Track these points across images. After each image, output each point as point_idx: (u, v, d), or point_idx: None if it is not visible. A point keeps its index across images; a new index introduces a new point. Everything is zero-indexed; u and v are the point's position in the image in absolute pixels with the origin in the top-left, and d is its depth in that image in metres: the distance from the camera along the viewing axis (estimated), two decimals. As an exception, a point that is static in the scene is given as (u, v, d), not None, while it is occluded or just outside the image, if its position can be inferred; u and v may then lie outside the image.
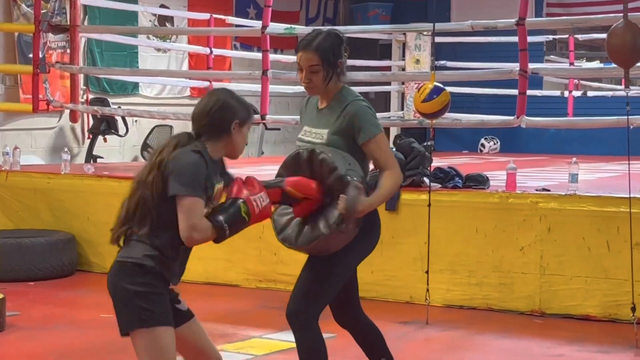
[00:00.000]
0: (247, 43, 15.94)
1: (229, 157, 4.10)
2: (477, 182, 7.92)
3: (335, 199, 4.17)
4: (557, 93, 15.11)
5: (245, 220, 3.93)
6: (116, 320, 3.91)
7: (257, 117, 10.83)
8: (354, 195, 4.12)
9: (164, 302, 3.90)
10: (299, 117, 4.72)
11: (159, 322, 3.86)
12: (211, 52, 13.02)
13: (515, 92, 8.98)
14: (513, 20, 8.90)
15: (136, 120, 13.95)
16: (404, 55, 15.87)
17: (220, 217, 3.85)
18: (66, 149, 10.08)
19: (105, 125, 13.26)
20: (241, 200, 3.92)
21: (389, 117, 15.30)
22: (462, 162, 12.16)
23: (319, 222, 4.23)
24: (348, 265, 4.45)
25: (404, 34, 15.35)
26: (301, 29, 11.37)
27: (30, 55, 11.45)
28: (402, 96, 15.98)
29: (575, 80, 15.01)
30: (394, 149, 8.22)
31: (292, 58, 4.63)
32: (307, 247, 4.30)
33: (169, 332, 3.88)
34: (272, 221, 4.42)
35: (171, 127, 13.97)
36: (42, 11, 11.25)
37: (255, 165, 10.35)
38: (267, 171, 9.42)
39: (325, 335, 4.40)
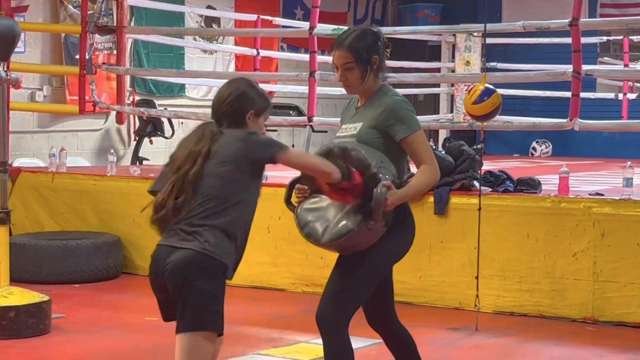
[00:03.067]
0: (294, 44, 15.89)
1: None
2: (529, 186, 7.82)
3: (365, 197, 4.11)
4: (611, 95, 14.91)
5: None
6: (179, 314, 3.88)
7: (304, 119, 10.75)
8: (383, 192, 4.05)
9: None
10: None
11: (222, 329, 3.94)
12: (258, 53, 12.96)
13: (567, 94, 8.87)
14: (566, 20, 8.77)
15: (182, 122, 13.94)
16: (453, 57, 15.76)
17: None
18: (112, 151, 10.08)
19: (151, 127, 13.26)
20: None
21: (438, 120, 15.19)
22: (513, 166, 12.05)
23: (347, 218, 4.14)
24: (380, 269, 4.37)
25: (454, 35, 15.24)
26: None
27: (77, 57, 11.47)
28: (452, 98, 15.86)
29: (630, 83, 14.81)
30: (443, 152, 8.12)
31: (340, 59, 4.53)
32: (334, 244, 4.21)
33: (215, 342, 3.96)
34: (295, 216, 4.36)
35: (217, 129, 13.93)
36: (89, 12, 11.25)
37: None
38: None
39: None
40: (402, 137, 4.29)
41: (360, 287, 4.29)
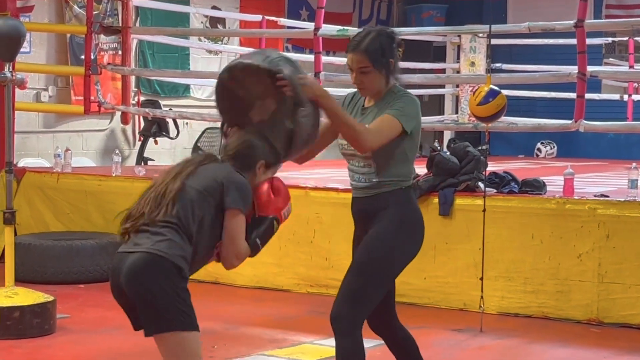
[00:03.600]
0: (299, 45, 15.88)
1: None
2: (534, 187, 7.81)
3: (281, 96, 4.08)
4: (616, 97, 14.88)
5: (274, 234, 4.12)
6: (143, 318, 3.85)
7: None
8: (289, 72, 4.02)
9: (192, 307, 3.91)
10: None
11: (194, 326, 3.87)
12: (263, 54, 12.93)
13: (573, 95, 8.85)
14: (571, 22, 8.76)
15: (187, 123, 13.95)
16: (458, 58, 15.74)
17: (258, 240, 4.06)
18: (117, 151, 10.08)
19: (156, 128, 13.26)
20: (274, 218, 4.11)
21: (443, 121, 15.18)
22: (518, 167, 12.03)
23: (283, 120, 4.12)
24: (394, 269, 4.39)
25: (459, 35, 15.23)
26: (354, 31, 11.28)
27: (82, 57, 11.48)
28: (457, 99, 15.85)
29: (635, 84, 14.78)
30: (447, 153, 8.12)
31: (345, 60, 4.50)
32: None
33: (198, 337, 3.90)
34: None
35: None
36: (94, 12, 11.26)
37: (307, 168, 10.25)
38: (319, 175, 9.37)
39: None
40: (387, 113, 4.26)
41: (374, 288, 4.30)
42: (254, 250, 4.07)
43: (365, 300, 4.29)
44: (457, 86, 15.57)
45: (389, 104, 4.33)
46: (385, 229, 4.32)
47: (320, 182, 8.61)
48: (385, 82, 4.37)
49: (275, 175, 4.21)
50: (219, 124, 13.94)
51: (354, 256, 4.41)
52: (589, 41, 8.91)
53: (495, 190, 7.80)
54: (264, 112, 4.18)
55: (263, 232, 4.07)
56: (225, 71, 4.19)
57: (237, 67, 4.13)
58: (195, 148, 13.69)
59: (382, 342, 4.64)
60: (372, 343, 4.62)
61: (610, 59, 16.16)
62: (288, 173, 8.93)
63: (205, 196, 3.95)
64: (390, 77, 4.37)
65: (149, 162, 13.06)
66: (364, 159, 4.36)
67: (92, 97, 11.02)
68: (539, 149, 15.96)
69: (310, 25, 10.76)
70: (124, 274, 3.84)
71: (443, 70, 15.81)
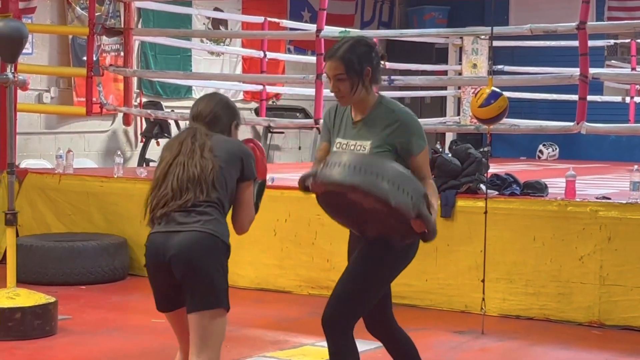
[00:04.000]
0: (301, 47, 15.89)
1: None
2: (535, 189, 7.81)
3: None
4: (618, 99, 14.88)
5: None
6: (191, 293, 3.94)
7: (311, 121, 10.75)
8: (431, 219, 4.12)
9: None
10: None
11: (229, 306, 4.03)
12: (265, 55, 12.95)
13: (574, 97, 8.84)
14: (573, 24, 8.73)
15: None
16: (460, 60, 15.73)
17: (258, 202, 4.34)
18: (119, 153, 10.08)
19: (158, 129, 13.27)
20: (263, 180, 4.40)
21: (445, 122, 15.16)
22: (520, 169, 12.03)
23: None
24: (387, 275, 4.38)
25: (461, 37, 15.21)
26: (356, 33, 11.29)
27: (84, 58, 11.49)
28: (459, 101, 15.84)
29: (637, 86, 14.77)
30: (449, 155, 8.12)
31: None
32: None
33: None
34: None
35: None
36: (97, 14, 11.25)
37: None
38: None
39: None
40: (415, 155, 4.26)
41: (367, 292, 4.29)
42: (256, 213, 4.30)
43: (358, 303, 4.28)
44: (459, 88, 15.55)
45: (387, 120, 4.29)
46: None
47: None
48: (367, 91, 4.32)
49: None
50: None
51: (350, 259, 4.40)
52: (591, 43, 8.90)
53: (496, 192, 7.80)
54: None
55: (260, 193, 4.36)
56: (361, 188, 4.07)
57: (385, 200, 4.02)
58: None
59: (382, 344, 4.64)
60: (372, 345, 4.62)
61: (612, 61, 16.16)
62: (289, 174, 8.94)
63: (231, 171, 4.11)
64: (369, 87, 4.33)
65: (151, 164, 13.06)
66: None
67: (94, 99, 11.02)
68: (540, 151, 15.95)
69: (312, 27, 10.76)
70: (176, 250, 3.95)
71: (445, 72, 15.81)
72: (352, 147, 4.31)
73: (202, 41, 14.24)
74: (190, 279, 3.94)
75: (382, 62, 4.39)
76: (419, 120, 4.40)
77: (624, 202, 7.30)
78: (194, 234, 3.95)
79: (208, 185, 4.02)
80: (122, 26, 11.77)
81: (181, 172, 4.06)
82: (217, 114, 4.25)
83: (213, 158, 4.06)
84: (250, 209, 4.20)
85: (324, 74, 4.47)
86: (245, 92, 14.63)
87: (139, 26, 13.02)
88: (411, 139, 4.26)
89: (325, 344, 4.31)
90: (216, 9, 14.58)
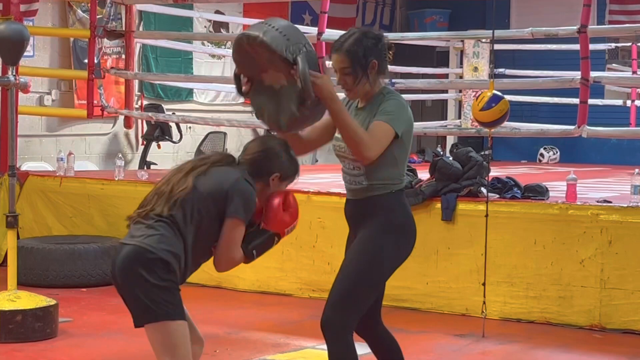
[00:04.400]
0: (302, 50, 15.86)
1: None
2: (536, 192, 7.80)
3: (290, 79, 4.11)
4: (619, 102, 14.88)
5: (272, 247, 4.18)
6: (131, 309, 3.95)
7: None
8: (304, 66, 4.04)
9: (181, 298, 3.98)
10: None
11: (181, 316, 3.95)
12: (266, 58, 12.93)
13: (575, 101, 8.84)
14: (574, 27, 8.75)
15: (190, 127, 13.96)
16: (461, 63, 15.75)
17: (254, 251, 4.10)
18: (120, 155, 10.09)
19: (159, 132, 13.28)
20: (277, 234, 4.15)
21: (446, 126, 15.17)
22: (521, 172, 12.03)
23: (288, 105, 4.15)
24: (382, 273, 4.37)
25: (462, 41, 15.23)
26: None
27: (85, 61, 11.48)
28: (460, 104, 15.85)
29: (638, 90, 14.76)
30: (450, 158, 8.12)
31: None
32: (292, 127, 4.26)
33: (185, 326, 3.97)
34: (252, 105, 4.35)
35: (225, 133, 13.96)
36: (98, 17, 11.24)
37: (310, 173, 10.27)
38: (322, 180, 9.36)
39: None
40: (378, 119, 4.26)
41: (363, 292, 4.29)
42: (249, 259, 4.12)
43: (355, 304, 4.28)
44: (460, 91, 15.56)
45: (378, 106, 4.32)
46: (374, 233, 4.31)
47: (323, 186, 8.61)
48: (370, 83, 4.34)
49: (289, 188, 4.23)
50: (221, 128, 13.88)
51: (343, 261, 4.41)
52: (592, 47, 8.90)
53: (497, 196, 7.80)
54: (274, 81, 4.20)
55: (262, 244, 4.14)
56: (245, 36, 4.19)
57: (257, 39, 4.12)
58: (198, 152, 13.72)
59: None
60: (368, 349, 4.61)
61: (614, 64, 16.15)
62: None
63: (209, 201, 4.00)
64: (375, 79, 4.35)
65: (152, 166, 13.08)
66: (353, 161, 4.36)
67: (95, 101, 11.02)
68: (541, 154, 15.95)
69: (314, 30, 10.75)
70: (116, 266, 3.96)
71: (446, 76, 15.82)
72: None
73: (203, 44, 14.25)
74: (126, 294, 3.97)
75: (390, 52, 4.40)
76: (416, 119, 4.40)
77: (625, 205, 7.30)
78: (131, 249, 3.93)
79: (170, 202, 3.96)
80: (124, 29, 11.76)
81: (160, 185, 4.07)
82: (255, 159, 4.14)
83: (195, 181, 4.00)
84: (229, 250, 4.03)
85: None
86: (246, 95, 14.62)
87: (140, 29, 13.02)
88: (381, 111, 4.28)
89: (326, 347, 4.31)
90: (217, 12, 14.59)
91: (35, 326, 6.65)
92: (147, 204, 4.05)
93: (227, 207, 3.98)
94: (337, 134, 4.41)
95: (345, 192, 4.51)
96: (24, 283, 7.72)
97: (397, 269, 4.43)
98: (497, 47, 13.73)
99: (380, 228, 4.31)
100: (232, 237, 4.02)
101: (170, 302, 3.90)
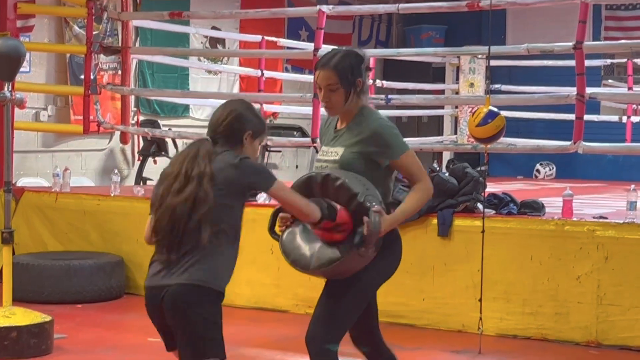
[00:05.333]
0: (298, 65, 15.91)
1: None
2: (533, 208, 7.79)
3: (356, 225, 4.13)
4: (615, 118, 14.90)
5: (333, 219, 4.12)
6: (179, 344, 3.97)
7: (308, 140, 10.75)
8: (377, 220, 4.08)
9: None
10: None
11: (223, 355, 4.02)
12: (262, 74, 12.96)
13: (571, 117, 8.84)
14: (570, 43, 8.76)
15: (186, 143, 13.90)
16: (457, 79, 15.77)
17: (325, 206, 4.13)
18: (116, 171, 10.08)
19: (155, 147, 13.27)
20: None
21: (442, 142, 15.18)
22: (517, 188, 12.01)
23: (337, 245, 4.15)
24: (368, 289, 4.37)
25: (458, 57, 15.26)
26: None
27: (82, 77, 11.48)
28: (456, 120, 15.87)
29: (634, 106, 14.80)
30: (446, 174, 8.11)
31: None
32: (323, 270, 4.24)
33: None
34: (280, 245, 4.38)
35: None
36: (94, 32, 11.26)
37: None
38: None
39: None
40: (394, 159, 4.30)
41: (348, 310, 4.28)
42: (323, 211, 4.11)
43: (340, 321, 4.28)
44: (456, 107, 15.58)
45: (361, 128, 4.33)
46: None
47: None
48: (355, 102, 4.37)
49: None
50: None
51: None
52: (587, 63, 8.91)
53: (494, 212, 7.78)
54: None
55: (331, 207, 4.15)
56: (321, 174, 4.26)
57: (336, 182, 4.20)
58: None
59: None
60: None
61: (609, 80, 16.17)
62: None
63: (230, 194, 3.99)
64: (359, 97, 4.38)
65: (148, 182, 13.05)
66: None
67: (91, 117, 11.02)
68: (538, 170, 15.95)
69: (310, 46, 10.78)
70: (167, 300, 3.94)
71: (442, 91, 15.84)
72: (328, 155, 4.38)
73: (199, 60, 14.27)
74: (178, 330, 4.00)
75: (368, 73, 4.46)
76: (402, 133, 4.42)
77: (621, 221, 7.29)
78: (181, 287, 3.94)
79: (203, 222, 3.94)
80: (120, 45, 11.78)
81: (175, 204, 3.99)
82: (227, 127, 4.13)
83: (211, 191, 3.96)
84: (292, 207, 4.12)
85: (316, 84, 4.45)
86: (243, 111, 14.61)
87: (137, 45, 13.02)
88: (386, 149, 4.30)
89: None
90: (214, 28, 14.60)
91: (30, 342, 6.63)
92: (176, 226, 3.97)
93: (259, 186, 4.06)
94: (319, 156, 4.46)
95: None
96: (19, 299, 7.69)
97: (390, 284, 4.45)
98: (493, 63, 13.76)
99: None
100: (285, 195, 4.09)
101: (217, 340, 4.02)
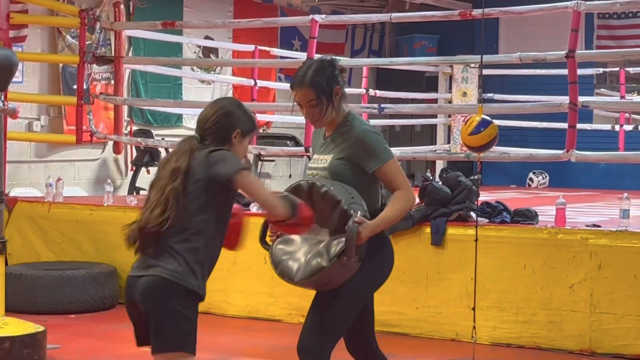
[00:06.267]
0: (291, 75, 15.80)
1: None
2: (526, 217, 7.79)
3: (338, 232, 4.15)
4: (608, 127, 14.93)
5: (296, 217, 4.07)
6: (152, 335, 3.97)
7: (301, 149, 10.75)
8: (354, 227, 4.09)
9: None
10: None
11: (194, 350, 4.00)
12: (255, 83, 12.98)
13: (564, 125, 8.85)
14: (563, 52, 8.78)
15: (180, 152, 13.92)
16: (450, 88, 15.79)
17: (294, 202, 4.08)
18: (109, 181, 10.06)
19: (148, 157, 13.26)
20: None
21: (435, 150, 15.19)
22: (510, 197, 12.03)
23: (320, 255, 4.17)
24: (359, 298, 4.37)
25: (451, 66, 15.28)
26: (346, 61, 11.31)
27: (75, 87, 11.48)
28: (449, 129, 15.88)
29: (627, 114, 14.82)
30: (440, 183, 8.12)
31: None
32: (308, 281, 4.26)
33: None
34: (269, 255, 4.41)
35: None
36: (87, 42, 11.26)
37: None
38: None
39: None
40: (374, 169, 4.31)
41: (340, 318, 4.29)
42: (290, 208, 4.05)
43: (332, 330, 4.28)
44: (449, 116, 15.59)
45: (347, 135, 4.35)
46: None
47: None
48: (337, 109, 4.39)
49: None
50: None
51: None
52: (580, 71, 8.94)
53: (487, 220, 7.79)
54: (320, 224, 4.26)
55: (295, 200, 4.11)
56: (307, 183, 4.29)
57: (321, 189, 4.23)
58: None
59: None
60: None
61: (602, 89, 16.22)
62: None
63: (206, 189, 3.97)
64: (339, 105, 4.40)
65: (141, 192, 13.04)
66: None
67: (84, 127, 11.03)
68: (531, 179, 15.97)
69: (303, 55, 10.80)
70: (139, 292, 3.98)
71: (435, 100, 15.86)
72: (318, 162, 4.40)
73: (192, 69, 14.28)
74: (152, 322, 4.00)
75: (343, 74, 4.46)
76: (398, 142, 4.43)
77: (614, 229, 7.29)
78: (156, 279, 3.96)
79: (173, 211, 3.94)
80: (113, 54, 11.78)
81: (156, 196, 4.01)
82: (215, 124, 4.10)
83: (184, 187, 3.96)
84: (257, 195, 4.03)
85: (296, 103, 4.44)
86: (236, 120, 14.61)
87: (130, 54, 13.03)
88: (365, 156, 4.31)
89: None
90: (207, 38, 14.62)
91: (23, 353, 6.61)
92: (152, 220, 3.99)
93: (219, 173, 3.94)
94: (310, 164, 4.48)
95: None
96: (12, 309, 7.68)
97: (377, 292, 4.43)
98: (485, 72, 13.79)
99: None
100: (250, 184, 3.99)
101: (189, 334, 3.98)
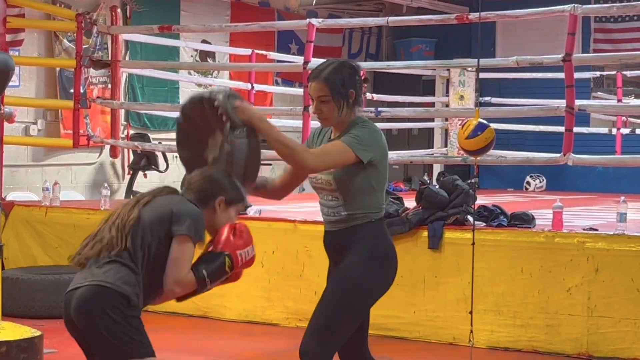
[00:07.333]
0: (288, 79, 15.91)
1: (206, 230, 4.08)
2: (523, 220, 7.80)
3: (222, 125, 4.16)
4: (605, 130, 14.92)
5: (227, 273, 3.99)
6: (98, 351, 3.88)
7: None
8: (223, 98, 4.13)
9: (147, 334, 3.91)
10: None
11: (150, 353, 3.88)
12: (252, 87, 12.98)
13: (561, 129, 8.85)
14: (559, 56, 8.78)
15: (177, 156, 13.90)
16: (447, 91, 15.78)
17: (204, 271, 3.92)
18: (106, 185, 10.05)
19: (145, 161, 13.25)
20: (226, 253, 3.97)
21: (432, 154, 15.19)
22: (507, 200, 12.02)
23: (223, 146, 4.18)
24: (363, 303, 4.36)
25: (448, 69, 15.26)
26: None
27: (72, 91, 11.47)
28: (446, 133, 15.87)
29: (624, 118, 14.82)
30: (437, 186, 8.11)
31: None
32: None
33: None
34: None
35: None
36: (84, 46, 11.26)
37: (296, 202, 10.25)
38: (308, 208, 9.34)
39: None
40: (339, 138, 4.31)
41: (343, 322, 4.28)
42: (200, 284, 3.95)
43: (335, 334, 4.27)
44: (446, 120, 15.59)
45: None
46: (355, 263, 4.30)
47: (310, 215, 8.59)
48: (347, 113, 4.36)
49: (243, 220, 4.19)
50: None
51: (324, 290, 4.39)
52: (577, 75, 8.94)
53: (484, 224, 7.79)
54: (215, 149, 4.21)
55: (213, 266, 3.97)
56: (180, 115, 4.32)
57: (185, 105, 4.28)
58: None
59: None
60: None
61: (599, 92, 16.21)
62: (277, 206, 8.92)
63: (155, 227, 3.93)
64: (352, 109, 4.37)
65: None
66: (330, 192, 4.36)
67: (81, 131, 11.02)
68: (528, 183, 15.96)
69: (300, 59, 10.79)
70: (73, 307, 3.89)
71: (432, 104, 15.83)
72: None
73: (189, 73, 14.25)
74: (90, 336, 3.94)
75: (364, 85, 4.44)
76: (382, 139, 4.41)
77: (611, 233, 7.30)
78: (87, 289, 3.90)
79: (122, 237, 3.93)
80: (110, 58, 11.78)
81: (107, 224, 4.07)
82: (198, 186, 4.11)
83: (142, 211, 3.97)
84: (177, 267, 3.89)
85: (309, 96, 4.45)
86: (233, 124, 14.60)
87: (127, 58, 13.02)
88: (348, 134, 4.31)
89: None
90: (204, 41, 14.60)
91: (20, 357, 6.58)
92: (99, 243, 3.99)
93: (172, 227, 3.90)
94: None
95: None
96: (8, 314, 7.67)
97: (380, 298, 4.42)
98: (482, 75, 13.81)
99: (361, 257, 4.30)
100: (180, 253, 3.90)
101: (137, 340, 3.84)
